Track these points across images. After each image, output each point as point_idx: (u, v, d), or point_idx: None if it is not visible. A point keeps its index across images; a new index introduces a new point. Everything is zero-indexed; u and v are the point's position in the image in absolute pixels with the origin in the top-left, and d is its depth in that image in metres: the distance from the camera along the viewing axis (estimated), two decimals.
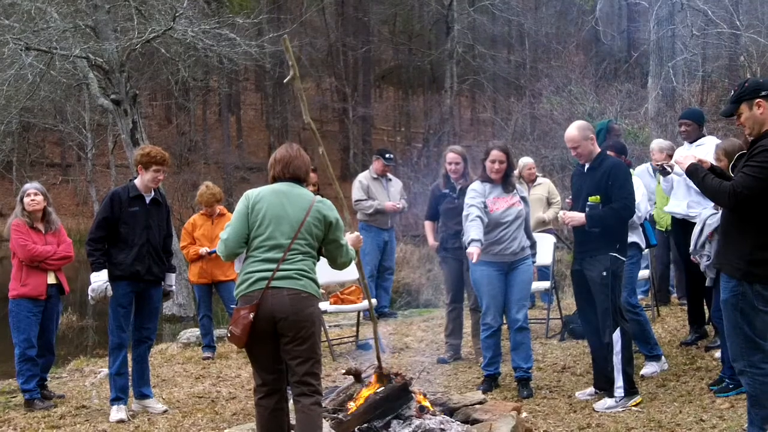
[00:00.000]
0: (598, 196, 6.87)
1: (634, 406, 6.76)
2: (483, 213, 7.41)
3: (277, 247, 5.19)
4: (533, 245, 7.88)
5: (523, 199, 7.78)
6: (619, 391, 6.83)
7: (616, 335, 6.86)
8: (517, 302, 7.62)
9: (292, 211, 5.25)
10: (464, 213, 7.56)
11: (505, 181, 7.66)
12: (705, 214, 6.69)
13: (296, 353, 5.15)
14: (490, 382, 7.77)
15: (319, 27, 41.43)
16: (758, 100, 5.19)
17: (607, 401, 6.85)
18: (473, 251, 7.07)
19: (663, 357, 7.84)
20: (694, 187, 7.67)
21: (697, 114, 8.66)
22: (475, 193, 7.56)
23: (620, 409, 6.71)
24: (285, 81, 6.09)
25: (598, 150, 7.09)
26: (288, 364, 5.23)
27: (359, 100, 39.43)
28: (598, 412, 6.75)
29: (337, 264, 5.57)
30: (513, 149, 8.68)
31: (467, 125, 41.06)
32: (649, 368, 7.68)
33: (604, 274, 6.83)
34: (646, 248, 8.12)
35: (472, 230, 7.27)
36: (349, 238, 5.73)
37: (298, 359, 5.15)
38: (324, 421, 5.61)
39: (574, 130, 7.06)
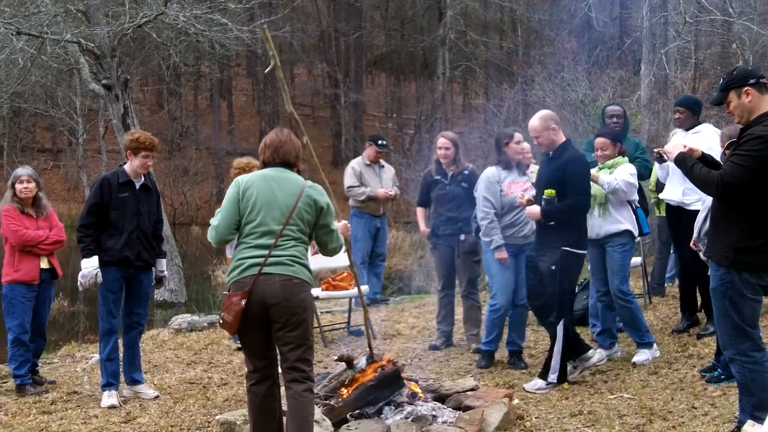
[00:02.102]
0: (553, 190, 7.06)
1: (564, 389, 7.09)
2: (498, 207, 7.80)
3: (269, 234, 5.18)
4: None
5: (533, 184, 7.98)
6: (552, 377, 7.10)
7: (560, 328, 7.10)
8: (523, 284, 7.85)
9: (283, 196, 5.24)
10: (482, 208, 7.86)
11: (520, 165, 7.96)
12: (710, 201, 6.61)
13: (288, 339, 5.14)
14: (490, 359, 8.01)
15: (310, 12, 41.25)
16: (746, 88, 5.18)
17: (538, 382, 7.16)
18: (505, 256, 7.76)
19: (655, 344, 7.85)
20: None
21: (692, 101, 8.55)
22: (489, 183, 7.84)
23: (546, 392, 7.01)
24: (266, 71, 6.09)
25: (562, 140, 7.27)
26: (280, 350, 5.23)
27: (351, 86, 39.32)
28: (530, 392, 7.04)
29: (327, 250, 5.57)
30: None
31: (459, 111, 41.01)
32: (641, 356, 7.70)
33: (553, 268, 7.06)
34: (639, 236, 8.13)
35: (497, 236, 7.80)
36: (337, 226, 5.73)
37: (289, 345, 5.15)
38: (316, 407, 5.62)
39: (535, 120, 7.29)
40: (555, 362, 7.11)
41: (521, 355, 8.06)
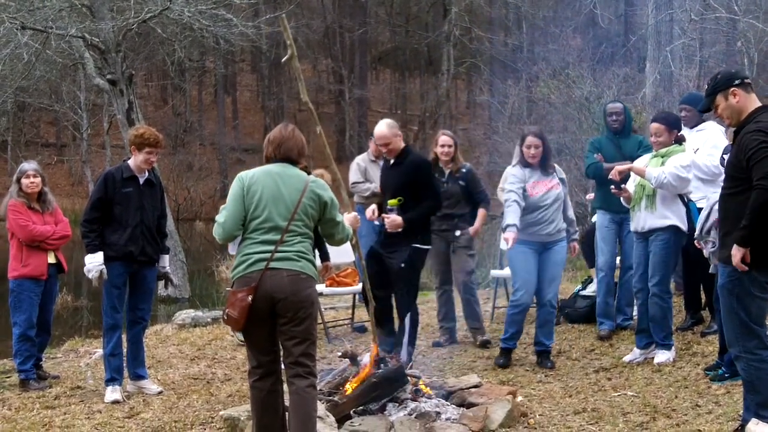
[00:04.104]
0: (396, 200, 7.31)
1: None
2: (521, 198, 7.65)
3: (275, 229, 5.17)
4: (572, 223, 8.07)
5: (562, 180, 7.97)
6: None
7: (407, 320, 7.31)
8: (549, 281, 7.85)
9: (287, 192, 5.23)
10: (504, 197, 7.86)
11: (544, 165, 7.86)
12: (713, 199, 6.50)
13: (293, 334, 5.14)
14: (508, 356, 7.97)
15: (315, 8, 41.31)
16: (733, 89, 5.26)
17: None
18: (509, 236, 7.42)
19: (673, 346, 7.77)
20: (697, 172, 7.65)
21: (698, 99, 8.39)
22: (515, 178, 7.79)
23: None
24: (282, 61, 6.08)
25: (402, 146, 7.52)
26: (283, 345, 5.21)
27: (355, 82, 39.39)
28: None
29: (335, 240, 5.60)
30: (509, 133, 8.69)
31: (463, 108, 41.05)
32: (661, 356, 7.52)
33: (403, 265, 7.25)
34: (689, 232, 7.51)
35: (509, 215, 7.58)
36: (346, 218, 5.75)
37: (294, 340, 5.14)
38: (319, 403, 5.62)
39: (384, 128, 7.47)
40: (404, 350, 7.26)
41: (549, 355, 7.96)
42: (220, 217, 5.30)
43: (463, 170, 8.74)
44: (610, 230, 8.64)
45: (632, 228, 7.68)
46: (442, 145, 8.74)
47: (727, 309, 5.31)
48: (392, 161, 7.55)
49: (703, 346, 7.89)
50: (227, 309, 5.17)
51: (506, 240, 7.46)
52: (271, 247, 5.14)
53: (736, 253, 5.10)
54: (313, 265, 5.31)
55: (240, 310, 5.10)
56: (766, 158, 4.99)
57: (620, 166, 7.66)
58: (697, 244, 6.78)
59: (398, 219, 7.27)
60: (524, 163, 7.82)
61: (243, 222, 5.25)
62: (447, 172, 8.72)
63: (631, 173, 7.66)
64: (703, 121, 8.18)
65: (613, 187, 7.65)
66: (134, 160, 7.29)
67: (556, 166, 8.06)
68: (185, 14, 16.56)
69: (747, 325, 5.22)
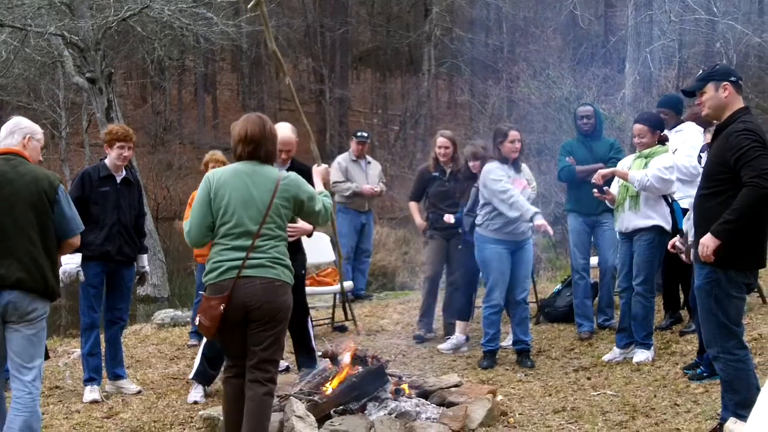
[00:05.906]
0: None
1: None
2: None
3: (246, 234, 5.05)
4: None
5: (528, 180, 8.00)
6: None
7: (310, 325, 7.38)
8: (522, 280, 7.93)
9: (258, 193, 5.10)
10: (506, 194, 7.60)
11: (516, 162, 7.89)
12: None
13: (262, 338, 5.07)
14: (492, 358, 7.96)
15: (296, 7, 41.17)
16: (725, 83, 5.27)
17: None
18: (543, 222, 7.42)
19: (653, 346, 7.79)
20: (676, 172, 7.67)
21: (674, 101, 8.51)
22: (502, 172, 7.73)
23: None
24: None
25: None
26: (251, 348, 5.11)
27: (336, 81, 39.23)
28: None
29: (319, 223, 5.62)
30: (490, 133, 8.68)
31: (444, 108, 40.99)
32: (640, 355, 7.56)
33: (303, 272, 7.20)
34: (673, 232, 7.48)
35: (525, 204, 7.55)
36: (316, 171, 5.78)
37: (263, 344, 5.08)
38: (300, 403, 5.62)
39: (291, 132, 7.06)
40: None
41: (529, 353, 8.00)
42: (186, 225, 5.22)
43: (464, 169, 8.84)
44: (583, 233, 8.67)
45: (617, 228, 7.73)
46: (440, 147, 8.86)
47: (705, 310, 5.31)
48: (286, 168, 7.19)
49: (682, 345, 7.93)
50: (199, 315, 5.09)
51: (541, 227, 7.43)
52: (243, 254, 5.03)
53: (710, 243, 5.09)
54: (290, 269, 5.21)
55: (211, 318, 5.02)
56: (759, 157, 4.99)
57: (603, 170, 7.67)
58: (671, 248, 6.80)
59: (308, 225, 6.83)
60: (502, 160, 7.82)
61: (212, 228, 5.14)
62: (448, 171, 8.80)
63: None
64: (682, 121, 8.25)
65: (596, 191, 7.66)
66: (109, 159, 7.26)
67: (524, 166, 8.10)
68: (165, 12, 16.50)
69: (725, 326, 5.23)
